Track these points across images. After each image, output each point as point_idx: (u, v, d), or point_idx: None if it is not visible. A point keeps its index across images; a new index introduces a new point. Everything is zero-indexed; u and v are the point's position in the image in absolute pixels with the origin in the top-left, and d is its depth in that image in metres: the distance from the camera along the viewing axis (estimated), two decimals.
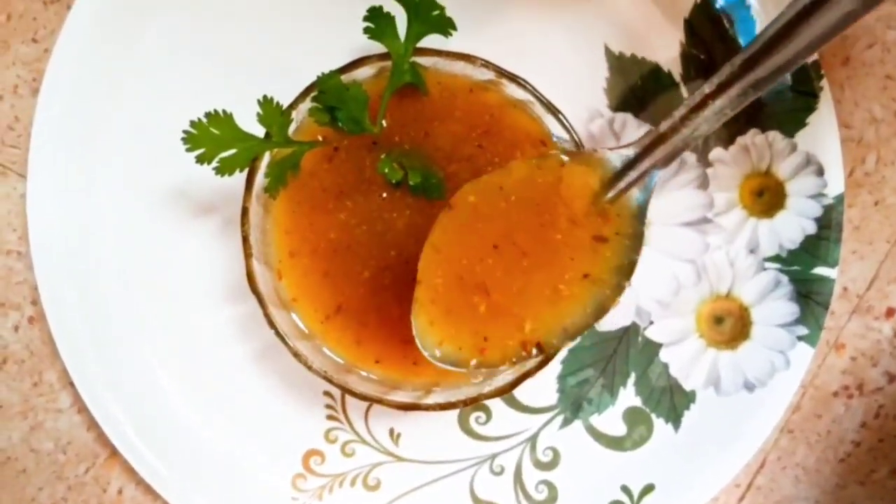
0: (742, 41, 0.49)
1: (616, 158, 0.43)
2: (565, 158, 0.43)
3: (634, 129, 0.51)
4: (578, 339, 0.51)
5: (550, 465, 0.52)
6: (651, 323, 0.52)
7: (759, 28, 0.49)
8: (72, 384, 0.52)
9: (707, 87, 0.40)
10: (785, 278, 0.51)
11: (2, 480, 0.53)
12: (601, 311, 0.43)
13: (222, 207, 0.51)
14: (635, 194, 0.43)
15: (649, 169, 0.42)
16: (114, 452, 0.53)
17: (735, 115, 0.49)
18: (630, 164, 0.43)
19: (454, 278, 0.42)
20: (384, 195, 0.46)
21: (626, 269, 0.43)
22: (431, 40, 0.45)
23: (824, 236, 0.50)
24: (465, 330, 0.42)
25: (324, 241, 0.46)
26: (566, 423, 0.52)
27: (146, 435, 0.51)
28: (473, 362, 0.42)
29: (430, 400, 0.46)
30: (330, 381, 0.45)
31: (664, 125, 0.42)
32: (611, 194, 0.43)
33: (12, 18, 0.52)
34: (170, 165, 0.50)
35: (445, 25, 0.45)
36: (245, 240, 0.45)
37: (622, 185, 0.43)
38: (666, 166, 0.43)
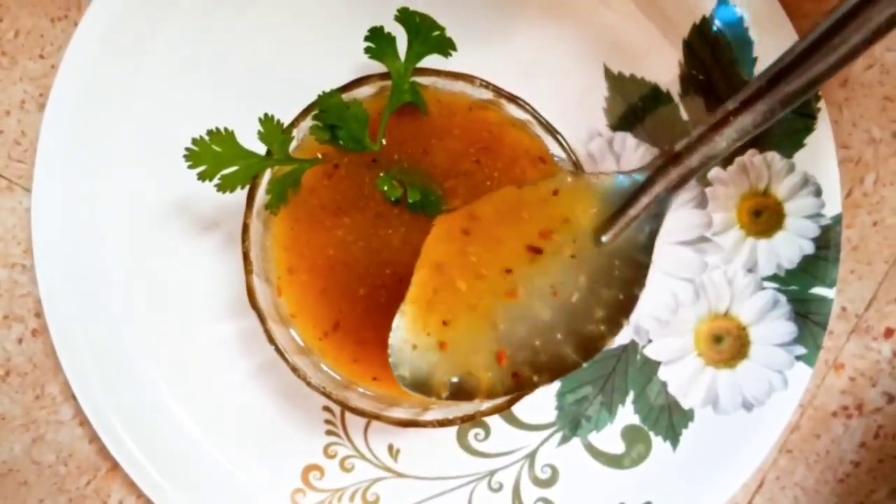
0: (740, 62, 0.49)
1: (625, 182, 0.41)
2: (568, 180, 0.42)
3: (633, 149, 0.51)
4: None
5: (549, 483, 0.53)
6: (650, 341, 0.52)
7: (757, 49, 0.49)
8: (73, 397, 0.52)
9: (731, 104, 0.38)
10: (783, 298, 0.51)
11: (3, 492, 0.54)
12: (593, 349, 0.41)
13: (224, 223, 0.52)
14: (643, 223, 0.41)
15: (661, 194, 0.40)
16: (115, 465, 0.53)
17: None
18: (641, 189, 0.40)
19: (433, 305, 0.42)
20: (382, 212, 0.47)
21: (625, 305, 0.41)
22: (432, 60, 0.46)
23: (822, 256, 0.50)
24: (444, 360, 0.42)
25: (321, 258, 0.47)
26: (564, 440, 0.53)
27: (147, 448, 0.51)
28: (445, 395, 0.41)
29: (429, 416, 0.46)
30: (329, 396, 0.45)
31: (680, 144, 0.39)
32: (618, 226, 0.41)
33: (20, 35, 0.53)
34: (172, 182, 0.51)
35: (445, 46, 0.46)
36: (245, 256, 0.46)
37: (632, 212, 0.40)
38: (678, 189, 0.40)
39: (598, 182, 0.41)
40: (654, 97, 0.51)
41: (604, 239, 0.41)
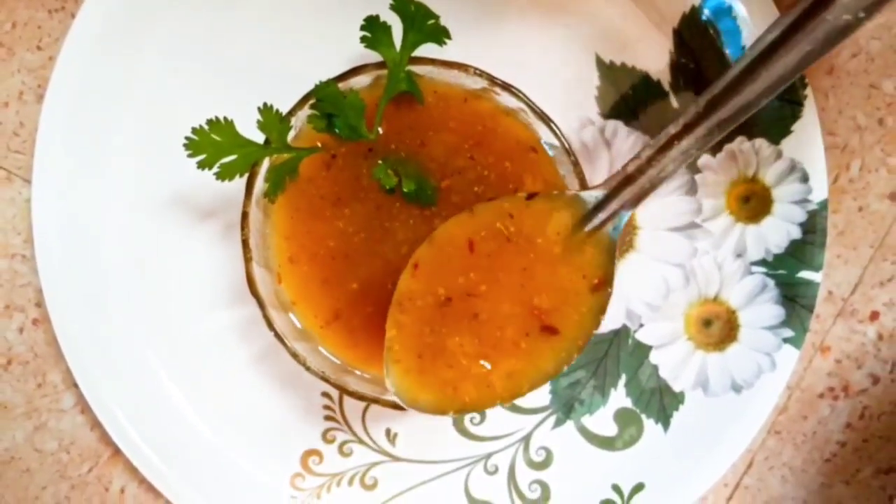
0: (728, 51, 0.50)
1: (588, 198, 0.44)
2: (531, 199, 0.44)
3: (625, 137, 0.52)
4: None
5: (543, 465, 0.54)
6: (641, 326, 0.53)
7: (745, 38, 0.50)
8: (75, 385, 0.53)
9: (672, 128, 0.42)
10: (771, 282, 0.52)
11: (6, 480, 0.54)
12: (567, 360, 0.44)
13: (223, 212, 0.52)
14: (605, 235, 0.44)
15: (618, 210, 0.44)
16: (116, 452, 0.54)
17: None
18: (599, 205, 0.44)
19: (424, 325, 0.44)
20: (381, 203, 0.47)
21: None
22: (426, 49, 0.46)
23: (809, 241, 0.51)
24: (437, 381, 0.44)
25: (322, 248, 0.47)
26: (559, 423, 0.54)
27: (148, 435, 0.52)
28: (451, 413, 0.44)
29: None
30: (328, 381, 0.46)
31: (631, 166, 0.43)
32: (578, 238, 0.44)
33: (17, 26, 0.53)
34: (172, 171, 0.52)
35: (440, 35, 0.46)
36: (245, 244, 0.46)
37: (589, 227, 0.44)
38: (634, 207, 0.44)
39: (564, 198, 0.44)
40: (645, 86, 0.52)
41: (558, 250, 0.44)
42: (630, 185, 0.43)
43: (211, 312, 0.53)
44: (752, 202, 0.52)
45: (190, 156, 0.44)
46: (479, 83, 0.46)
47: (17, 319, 0.54)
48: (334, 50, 0.50)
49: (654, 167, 0.42)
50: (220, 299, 0.53)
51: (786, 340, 0.52)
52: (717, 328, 0.53)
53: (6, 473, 0.54)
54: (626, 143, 0.52)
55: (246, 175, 0.46)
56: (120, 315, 0.53)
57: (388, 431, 0.53)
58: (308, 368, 0.46)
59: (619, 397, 0.53)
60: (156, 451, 0.52)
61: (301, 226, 0.47)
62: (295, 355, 0.46)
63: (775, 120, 0.51)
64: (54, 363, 0.54)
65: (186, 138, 0.44)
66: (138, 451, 0.52)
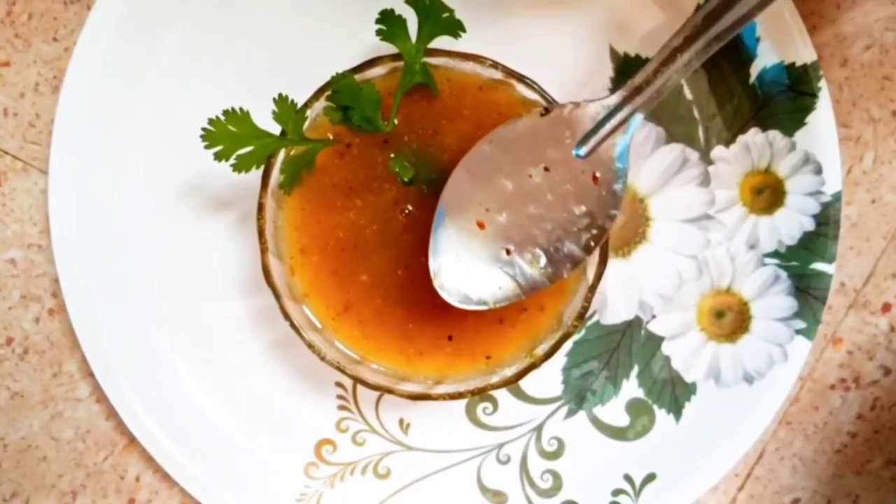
0: (743, 41, 0.50)
1: (595, 108, 0.46)
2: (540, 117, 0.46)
3: (639, 128, 0.52)
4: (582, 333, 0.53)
5: (555, 455, 0.54)
6: (654, 317, 0.53)
7: (759, 29, 0.50)
8: (91, 374, 0.53)
9: (675, 40, 0.44)
10: (784, 274, 0.52)
11: (23, 468, 0.55)
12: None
13: (239, 202, 0.53)
14: (617, 141, 0.46)
15: (629, 116, 0.45)
16: (132, 441, 0.54)
17: (736, 114, 0.51)
18: (611, 112, 0.46)
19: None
20: (393, 193, 0.48)
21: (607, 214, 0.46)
22: (441, 41, 0.46)
23: (822, 233, 0.51)
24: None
25: (333, 239, 0.48)
26: (571, 413, 0.54)
27: (163, 424, 0.53)
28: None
29: (440, 390, 0.47)
30: (343, 371, 0.46)
31: (638, 77, 0.45)
32: (593, 141, 0.46)
33: (33, 17, 0.53)
34: (188, 161, 0.51)
35: (455, 27, 0.46)
36: (261, 234, 0.46)
37: (604, 131, 0.45)
38: (647, 111, 0.45)
39: (569, 111, 0.46)
40: None
41: (581, 152, 0.46)
42: (639, 94, 0.45)
43: (226, 302, 0.53)
44: (766, 194, 0.52)
45: (207, 147, 0.45)
46: (494, 74, 0.47)
47: (34, 309, 0.54)
48: (350, 42, 0.50)
49: (659, 78, 0.45)
50: (236, 289, 0.53)
51: (798, 332, 0.52)
52: (730, 319, 0.53)
53: (23, 462, 0.55)
54: (640, 134, 0.52)
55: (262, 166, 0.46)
56: (135, 304, 0.53)
57: (401, 421, 0.54)
58: (324, 359, 0.46)
59: (631, 388, 0.54)
60: (171, 441, 0.53)
61: (311, 216, 0.48)
62: (311, 346, 0.46)
63: (789, 112, 0.51)
64: (70, 353, 0.54)
65: (203, 129, 0.44)
66: (154, 440, 0.52)
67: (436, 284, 0.45)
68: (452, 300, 0.45)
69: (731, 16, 0.43)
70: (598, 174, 0.46)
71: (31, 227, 0.54)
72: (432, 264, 0.45)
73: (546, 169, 0.45)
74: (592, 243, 0.46)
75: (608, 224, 0.45)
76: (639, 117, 0.46)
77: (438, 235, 0.45)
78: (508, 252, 0.45)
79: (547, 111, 0.46)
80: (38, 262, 0.54)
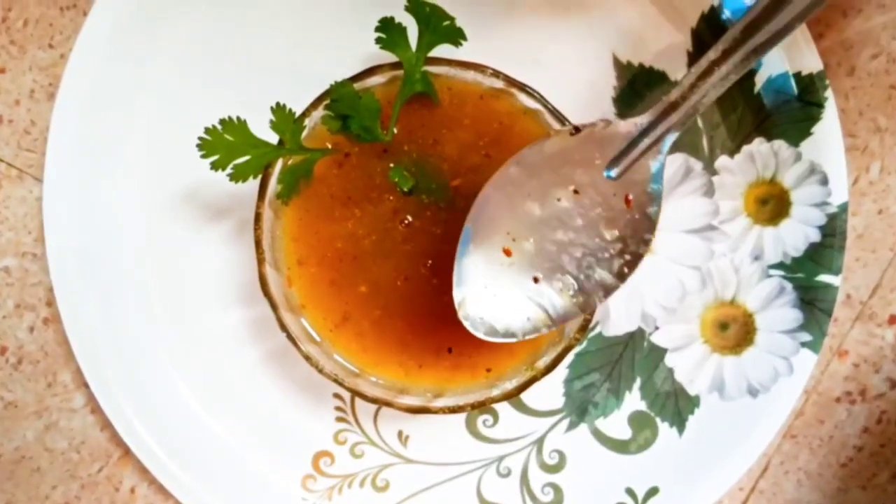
0: None
1: (626, 127, 0.44)
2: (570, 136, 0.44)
3: None
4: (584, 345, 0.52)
5: (556, 468, 0.53)
6: (657, 328, 0.53)
7: None
8: (85, 384, 0.53)
9: (712, 54, 0.43)
10: (789, 285, 0.52)
11: (17, 479, 0.54)
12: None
13: (236, 212, 0.52)
14: (651, 161, 0.44)
15: (663, 135, 0.44)
16: (126, 452, 0.53)
17: (741, 124, 0.51)
18: (644, 131, 0.44)
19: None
20: (393, 204, 0.47)
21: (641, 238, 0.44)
22: (442, 50, 0.46)
23: (828, 244, 0.51)
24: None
25: (331, 250, 0.47)
26: (572, 426, 0.53)
27: (158, 435, 0.52)
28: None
29: (439, 403, 0.46)
30: (341, 384, 0.46)
31: (674, 93, 0.44)
32: (624, 163, 0.44)
33: (29, 24, 0.53)
34: (184, 170, 0.51)
35: (456, 35, 0.46)
36: (258, 245, 0.46)
37: (637, 151, 0.44)
38: (681, 130, 0.44)
39: (598, 131, 0.45)
40: (662, 86, 0.51)
41: (613, 174, 0.44)
42: (674, 111, 0.44)
43: (222, 312, 0.52)
44: (771, 204, 0.51)
45: (203, 156, 0.44)
46: (496, 83, 0.46)
47: (28, 318, 0.54)
48: (349, 50, 0.49)
49: (695, 93, 0.43)
50: (232, 299, 0.52)
51: (803, 344, 0.51)
52: (734, 331, 0.52)
53: (17, 472, 0.54)
54: None
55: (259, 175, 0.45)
56: (130, 314, 0.52)
57: (400, 433, 0.53)
58: (322, 372, 0.46)
59: (633, 400, 0.53)
60: (166, 452, 0.52)
61: (309, 227, 0.47)
62: (308, 358, 0.45)
63: (795, 121, 0.50)
64: (65, 363, 0.54)
65: (200, 138, 0.44)
66: (149, 452, 0.52)
67: (460, 315, 0.43)
68: (479, 333, 0.43)
69: (770, 27, 0.42)
70: (630, 196, 0.44)
71: (25, 235, 0.53)
72: (456, 295, 0.43)
73: (575, 192, 0.44)
74: (626, 270, 0.44)
75: (643, 249, 0.44)
76: (673, 135, 0.44)
77: (463, 265, 0.43)
78: (536, 280, 0.44)
79: (577, 130, 0.44)
80: (32, 271, 0.53)
